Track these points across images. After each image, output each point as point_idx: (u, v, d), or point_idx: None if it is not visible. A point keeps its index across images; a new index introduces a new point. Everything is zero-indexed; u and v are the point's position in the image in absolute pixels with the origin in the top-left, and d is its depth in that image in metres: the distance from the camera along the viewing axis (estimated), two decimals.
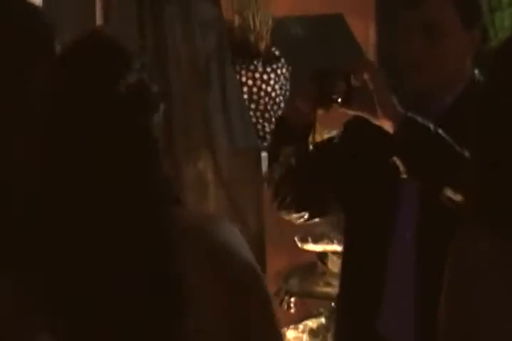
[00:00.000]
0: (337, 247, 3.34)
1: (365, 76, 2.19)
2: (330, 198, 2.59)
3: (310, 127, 2.39)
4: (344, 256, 2.63)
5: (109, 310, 1.40)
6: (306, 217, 2.60)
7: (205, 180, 3.46)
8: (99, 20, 3.40)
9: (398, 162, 2.19)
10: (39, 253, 1.40)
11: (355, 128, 2.44)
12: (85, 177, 1.41)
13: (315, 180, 2.49)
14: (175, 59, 3.27)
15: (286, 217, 2.70)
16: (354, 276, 2.51)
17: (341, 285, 2.58)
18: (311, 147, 2.44)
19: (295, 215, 2.61)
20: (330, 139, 2.56)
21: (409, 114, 2.16)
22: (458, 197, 2.11)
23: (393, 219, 2.38)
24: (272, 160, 2.54)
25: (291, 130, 2.42)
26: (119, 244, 1.42)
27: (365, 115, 2.19)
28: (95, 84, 1.43)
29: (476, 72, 2.40)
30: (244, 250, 1.57)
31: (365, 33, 4.07)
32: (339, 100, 2.22)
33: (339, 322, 2.61)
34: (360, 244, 2.49)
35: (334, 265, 3.36)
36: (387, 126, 2.17)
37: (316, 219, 2.79)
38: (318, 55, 3.76)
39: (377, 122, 2.19)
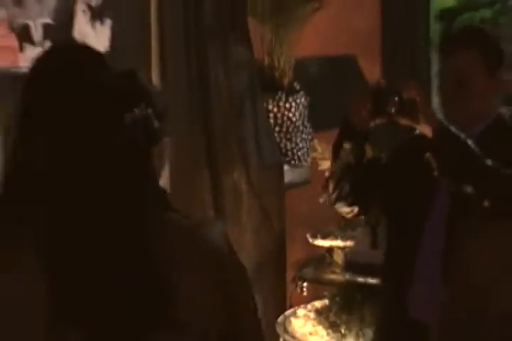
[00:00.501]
0: (340, 243, 3.71)
1: (413, 93, 2.54)
2: (375, 201, 2.92)
3: (368, 131, 2.71)
4: (389, 234, 2.93)
5: (102, 304, 1.49)
6: (355, 211, 2.94)
7: (239, 190, 3.90)
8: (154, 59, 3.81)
9: (432, 159, 2.54)
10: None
11: (402, 155, 2.83)
12: (91, 184, 1.53)
13: (367, 182, 2.81)
14: (216, 93, 3.70)
15: (340, 210, 3.04)
16: (393, 247, 2.82)
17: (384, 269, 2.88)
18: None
19: (346, 209, 2.95)
20: (379, 158, 2.90)
21: (444, 122, 2.53)
22: (477, 197, 2.49)
23: (426, 214, 2.67)
24: (334, 156, 2.85)
25: (352, 130, 2.73)
26: (112, 241, 1.53)
27: (412, 123, 2.57)
28: (104, 112, 1.59)
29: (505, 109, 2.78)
30: (229, 248, 1.70)
31: (371, 71, 4.43)
32: (393, 111, 2.58)
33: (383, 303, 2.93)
34: (399, 231, 2.80)
35: (338, 257, 3.72)
36: (428, 130, 2.53)
37: (361, 216, 3.20)
38: (332, 89, 4.22)
39: (420, 128, 2.57)
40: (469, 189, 2.45)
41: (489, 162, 2.45)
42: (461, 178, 2.52)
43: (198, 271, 1.63)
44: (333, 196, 2.82)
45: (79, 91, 1.56)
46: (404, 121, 2.56)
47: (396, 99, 2.53)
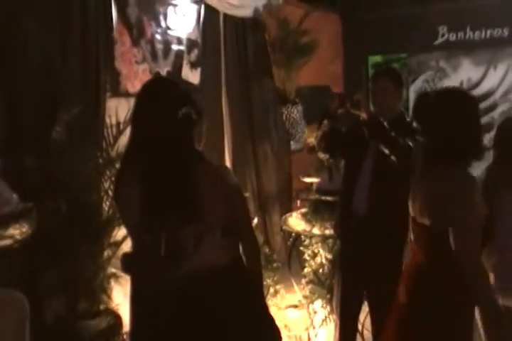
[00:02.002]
0: (315, 179, 4.54)
1: (359, 98, 3.21)
2: (337, 150, 3.51)
3: (336, 115, 3.33)
4: (344, 170, 3.55)
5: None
6: (327, 156, 3.68)
7: (267, 153, 5.38)
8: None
9: (366, 130, 3.15)
10: None
11: (352, 128, 3.37)
12: (168, 152, 2.16)
13: (333, 141, 3.41)
14: (256, 104, 5.30)
15: (320, 156, 3.79)
16: (345, 181, 3.47)
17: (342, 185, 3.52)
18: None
19: (323, 155, 3.67)
20: (340, 129, 3.45)
21: (374, 113, 3.17)
22: (391, 155, 3.06)
23: (362, 161, 3.29)
24: (318, 128, 3.47)
25: (328, 114, 3.37)
26: (174, 174, 2.13)
27: (358, 112, 3.19)
28: (167, 111, 2.19)
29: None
30: (236, 180, 2.27)
31: None
32: (349, 106, 3.21)
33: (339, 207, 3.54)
34: (349, 168, 3.45)
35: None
36: (366, 116, 3.15)
37: (330, 160, 3.96)
38: (316, 102, 5.10)
39: (362, 115, 3.17)
40: (383, 147, 3.11)
41: (393, 134, 3.10)
42: (380, 141, 3.15)
43: (219, 188, 2.22)
44: (317, 148, 3.55)
45: (161, 100, 2.20)
46: (354, 111, 3.27)
47: (350, 100, 3.27)
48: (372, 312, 3.46)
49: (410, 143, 3.14)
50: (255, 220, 4.31)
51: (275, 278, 4.27)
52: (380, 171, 3.26)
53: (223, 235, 2.21)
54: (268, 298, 4.01)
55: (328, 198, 4.18)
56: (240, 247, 2.32)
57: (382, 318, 3.27)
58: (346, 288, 3.43)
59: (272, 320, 2.40)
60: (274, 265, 4.31)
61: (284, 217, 4.61)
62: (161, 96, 2.22)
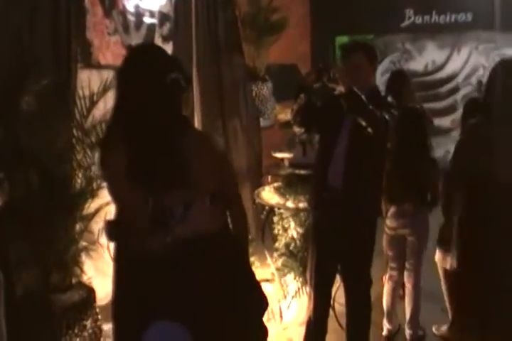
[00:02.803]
0: (287, 155, 4.73)
1: (336, 72, 3.29)
2: (313, 124, 3.48)
3: (312, 89, 3.34)
4: (319, 144, 3.52)
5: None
6: (302, 131, 3.70)
7: (236, 129, 5.32)
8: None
9: (344, 103, 3.14)
10: None
11: (329, 99, 3.38)
12: (154, 115, 2.11)
13: (309, 115, 3.38)
14: (227, 80, 5.23)
15: (295, 130, 3.78)
16: (320, 155, 3.43)
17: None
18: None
19: (299, 129, 3.67)
20: (316, 103, 3.38)
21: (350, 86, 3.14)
22: (368, 127, 3.04)
23: (337, 134, 3.25)
24: (294, 102, 3.43)
25: (304, 89, 3.38)
26: (161, 138, 2.08)
27: (335, 85, 3.31)
28: (156, 75, 2.12)
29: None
30: (222, 147, 2.78)
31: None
32: (325, 80, 3.27)
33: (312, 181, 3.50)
34: (324, 140, 3.42)
35: (286, 162, 4.72)
36: (343, 89, 3.24)
37: (305, 133, 3.96)
38: (284, 79, 5.45)
39: (339, 88, 3.29)
40: (360, 119, 3.10)
41: (369, 106, 3.09)
42: (357, 112, 3.14)
43: (207, 155, 2.22)
44: (293, 122, 3.52)
45: (151, 65, 2.15)
46: (331, 85, 3.39)
47: (327, 74, 3.35)
48: (346, 285, 3.46)
49: (386, 116, 3.12)
50: None
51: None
52: (355, 145, 3.23)
53: (212, 202, 2.17)
54: None
55: (302, 172, 4.17)
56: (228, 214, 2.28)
57: (355, 290, 3.41)
58: (320, 260, 3.41)
59: (258, 285, 2.39)
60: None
61: (256, 191, 4.60)
62: (150, 61, 2.16)
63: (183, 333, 1.76)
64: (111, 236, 2.30)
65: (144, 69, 2.14)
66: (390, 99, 3.46)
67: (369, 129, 3.05)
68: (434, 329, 4.08)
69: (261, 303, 2.36)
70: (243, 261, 2.38)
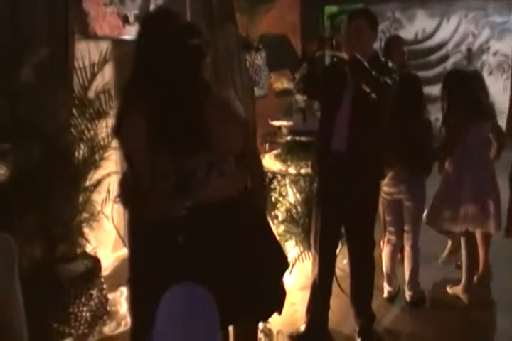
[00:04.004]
0: (285, 123, 4.70)
1: (338, 39, 3.20)
2: (316, 92, 3.43)
3: (315, 57, 3.30)
4: (322, 111, 3.49)
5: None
6: (305, 98, 3.66)
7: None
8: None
9: (348, 69, 3.14)
10: None
11: (332, 66, 3.42)
12: (179, 79, 2.05)
13: (312, 82, 3.36)
14: (221, 50, 4.99)
15: (298, 98, 3.91)
16: (323, 121, 3.39)
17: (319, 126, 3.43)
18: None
19: (302, 97, 3.63)
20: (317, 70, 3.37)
21: (353, 52, 3.10)
22: (372, 93, 3.02)
23: (341, 100, 3.23)
24: (297, 70, 3.41)
25: (307, 57, 3.34)
26: (186, 103, 2.04)
27: (338, 53, 3.23)
28: (178, 40, 2.08)
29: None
30: (243, 111, 2.23)
31: (295, 43, 6.04)
32: (328, 47, 3.21)
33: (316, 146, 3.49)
34: (327, 107, 3.39)
35: (284, 130, 4.68)
36: (346, 56, 3.16)
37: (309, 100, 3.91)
38: (277, 49, 5.46)
39: (342, 55, 3.19)
40: (364, 85, 3.06)
41: (372, 72, 3.07)
42: (361, 79, 3.10)
43: (228, 118, 2.20)
44: (296, 91, 3.46)
45: (172, 31, 2.09)
46: (334, 52, 3.33)
47: (330, 42, 3.28)
48: (351, 246, 3.46)
49: (389, 81, 3.10)
50: None
51: None
52: (358, 109, 3.21)
53: (237, 164, 2.17)
54: None
55: (303, 139, 4.14)
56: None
57: (360, 251, 3.44)
58: (325, 223, 3.39)
59: (279, 245, 2.38)
60: None
61: None
62: (171, 25, 2.11)
63: (205, 294, 1.68)
64: (126, 202, 2.25)
65: (164, 33, 2.09)
66: (390, 64, 3.42)
67: (373, 95, 3.04)
68: (448, 288, 4.14)
69: (281, 263, 2.35)
70: (264, 221, 2.35)
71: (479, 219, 3.85)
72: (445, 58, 7.40)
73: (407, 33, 7.14)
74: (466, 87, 3.84)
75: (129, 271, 2.30)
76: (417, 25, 7.40)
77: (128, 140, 2.14)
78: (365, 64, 3.07)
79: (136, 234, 2.22)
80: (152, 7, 4.55)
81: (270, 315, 2.39)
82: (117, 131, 2.19)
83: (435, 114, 5.92)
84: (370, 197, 3.39)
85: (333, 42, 3.21)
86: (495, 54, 7.57)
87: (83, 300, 3.12)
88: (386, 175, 3.75)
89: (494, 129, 3.98)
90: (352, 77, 3.16)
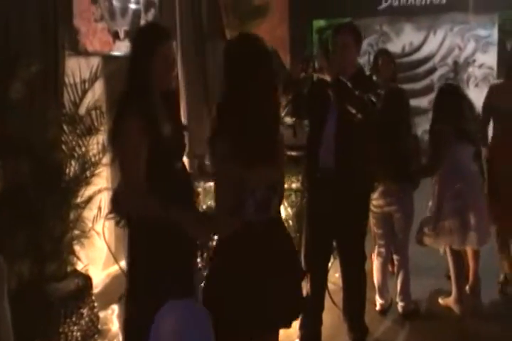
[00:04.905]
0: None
1: (321, 61, 3.24)
2: (303, 113, 3.50)
3: (300, 79, 3.36)
4: (310, 128, 3.49)
5: None
6: (294, 120, 3.95)
7: None
8: None
9: (330, 91, 3.12)
10: None
11: (315, 88, 3.34)
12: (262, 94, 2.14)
13: (300, 105, 3.44)
14: (210, 69, 5.02)
15: (286, 120, 3.94)
16: (311, 138, 3.40)
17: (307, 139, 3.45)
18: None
19: (291, 119, 3.94)
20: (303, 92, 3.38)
21: (336, 74, 3.09)
22: (357, 114, 3.03)
23: (326, 120, 3.22)
24: (283, 93, 3.44)
25: (291, 80, 3.43)
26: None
27: (322, 75, 3.22)
28: (267, 66, 2.17)
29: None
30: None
31: (285, 56, 5.92)
32: (310, 69, 3.24)
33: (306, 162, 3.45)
34: (313, 126, 3.38)
35: None
36: (328, 77, 3.15)
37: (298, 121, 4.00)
38: None
39: (325, 76, 3.18)
40: (349, 107, 3.06)
41: (356, 92, 3.04)
42: (345, 101, 3.10)
43: (282, 145, 2.38)
44: (284, 114, 3.74)
45: (265, 56, 2.20)
46: (317, 74, 3.33)
47: (312, 63, 3.33)
48: (342, 260, 3.44)
49: (373, 99, 3.08)
50: None
51: None
52: (344, 129, 3.19)
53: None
54: None
55: (293, 153, 4.14)
56: None
57: (351, 265, 3.42)
58: (316, 238, 3.37)
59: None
60: None
61: None
62: (262, 52, 2.19)
63: (201, 311, 1.73)
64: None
65: (258, 60, 2.15)
66: (375, 78, 3.51)
67: (358, 115, 3.03)
68: (439, 300, 4.13)
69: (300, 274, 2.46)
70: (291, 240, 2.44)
71: (460, 234, 3.83)
72: (432, 71, 7.44)
73: (395, 46, 7.17)
74: (451, 104, 3.86)
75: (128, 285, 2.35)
76: (404, 39, 7.44)
77: (218, 159, 2.20)
78: (349, 85, 3.04)
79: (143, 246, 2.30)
80: (142, 23, 4.56)
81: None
82: (213, 151, 2.23)
83: (424, 126, 5.96)
84: (359, 211, 3.37)
85: (315, 65, 3.22)
86: (480, 66, 7.63)
87: (74, 319, 3.07)
88: (375, 189, 3.74)
89: (477, 156, 4.02)
90: (336, 100, 3.15)
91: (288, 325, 2.32)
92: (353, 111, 3.03)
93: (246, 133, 2.10)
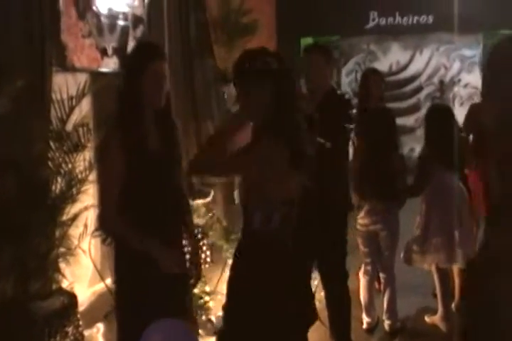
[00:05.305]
0: None
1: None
2: None
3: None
4: None
5: None
6: None
7: (208, 132, 5.12)
8: None
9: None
10: None
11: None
12: None
13: None
14: (198, 83, 5.10)
15: None
16: None
17: None
18: None
19: None
20: None
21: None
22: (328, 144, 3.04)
23: None
24: None
25: None
26: None
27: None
28: None
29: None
30: None
31: None
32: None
33: None
34: None
35: None
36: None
37: None
38: None
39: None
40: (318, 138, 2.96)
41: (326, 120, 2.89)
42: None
43: None
44: None
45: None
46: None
47: None
48: (324, 278, 3.45)
49: (347, 125, 3.14)
50: (211, 196, 4.27)
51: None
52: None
53: None
54: (226, 270, 3.85)
55: None
56: None
57: (334, 283, 3.42)
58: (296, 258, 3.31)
59: None
60: (232, 237, 4.19)
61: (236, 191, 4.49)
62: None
63: (188, 329, 1.68)
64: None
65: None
66: (347, 96, 3.47)
67: (327, 145, 3.03)
68: (426, 318, 4.14)
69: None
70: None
71: (446, 252, 3.83)
72: (419, 90, 7.49)
73: (382, 65, 7.19)
74: (442, 128, 3.85)
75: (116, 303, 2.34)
76: (391, 58, 7.49)
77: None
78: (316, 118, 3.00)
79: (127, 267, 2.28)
80: (131, 39, 4.52)
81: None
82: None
83: (410, 144, 6.00)
84: (338, 229, 3.37)
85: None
86: (465, 86, 7.72)
87: (58, 338, 2.98)
88: (353, 207, 3.77)
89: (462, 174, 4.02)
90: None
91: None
92: (322, 140, 3.02)
93: None
